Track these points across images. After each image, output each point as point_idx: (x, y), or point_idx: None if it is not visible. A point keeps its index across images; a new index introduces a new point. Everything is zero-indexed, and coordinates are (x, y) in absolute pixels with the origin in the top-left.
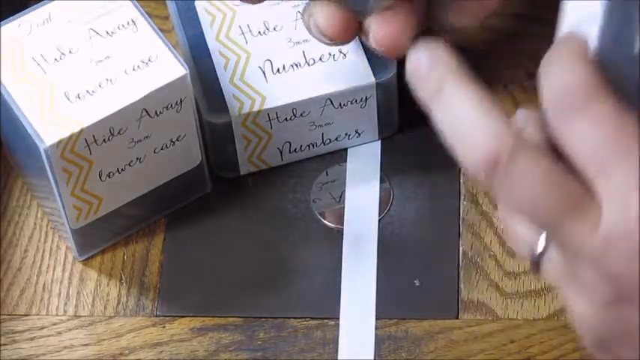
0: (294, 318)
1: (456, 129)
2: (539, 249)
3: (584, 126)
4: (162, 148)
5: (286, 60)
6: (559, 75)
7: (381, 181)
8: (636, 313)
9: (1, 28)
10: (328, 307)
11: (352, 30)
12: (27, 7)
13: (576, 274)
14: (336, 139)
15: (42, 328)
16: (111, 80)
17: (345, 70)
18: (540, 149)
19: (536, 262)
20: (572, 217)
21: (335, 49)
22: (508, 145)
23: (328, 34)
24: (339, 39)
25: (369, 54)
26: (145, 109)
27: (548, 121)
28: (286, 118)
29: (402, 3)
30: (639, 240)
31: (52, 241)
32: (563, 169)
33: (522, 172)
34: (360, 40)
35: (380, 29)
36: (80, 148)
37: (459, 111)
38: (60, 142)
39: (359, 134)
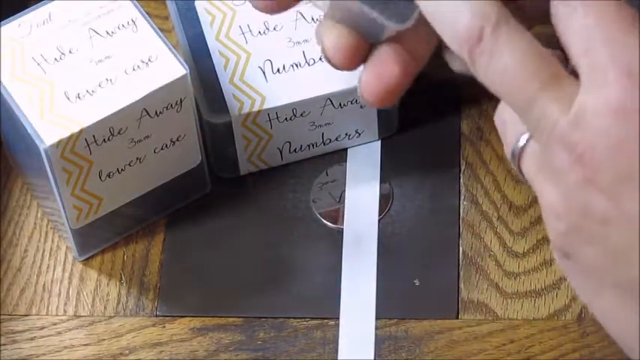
0: (294, 318)
1: (439, 7)
2: (522, 143)
3: (577, 12)
4: (162, 148)
5: (286, 60)
6: None
7: (381, 181)
8: (601, 198)
9: (1, 28)
10: (328, 307)
11: (360, 58)
12: (27, 7)
13: (548, 159)
14: (336, 139)
15: (42, 328)
16: (111, 80)
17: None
18: (522, 27)
19: (519, 160)
20: (548, 91)
21: None
22: (492, 18)
23: (334, 62)
24: (344, 67)
25: None
26: (145, 109)
27: (552, 14)
28: (286, 118)
29: (410, 39)
30: (609, 118)
31: (52, 241)
32: (544, 48)
33: (504, 43)
34: None
35: (369, 83)
36: (80, 148)
37: None
38: (60, 142)
39: (359, 134)
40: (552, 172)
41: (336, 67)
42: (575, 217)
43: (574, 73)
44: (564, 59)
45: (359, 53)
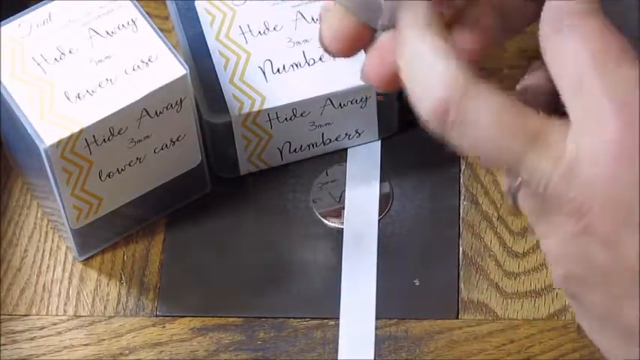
0: (294, 318)
1: (411, 76)
2: (516, 183)
3: (567, 41)
4: (162, 148)
5: (286, 60)
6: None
7: (381, 181)
8: (599, 247)
9: (1, 28)
10: (328, 307)
11: (357, 45)
12: (27, 7)
13: (544, 207)
14: (336, 139)
15: (42, 328)
16: (111, 80)
17: (345, 70)
18: (494, 89)
19: (515, 200)
20: (532, 149)
21: None
22: (458, 87)
23: (330, 47)
24: (339, 52)
25: None
26: (145, 109)
27: (541, 45)
28: (286, 118)
29: None
30: (605, 165)
31: (52, 241)
32: (521, 104)
33: (474, 110)
34: None
35: (373, 65)
36: (80, 148)
37: (414, 56)
38: (60, 142)
39: (359, 134)
40: (549, 220)
41: (331, 53)
42: (575, 265)
43: (557, 94)
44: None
45: (357, 40)
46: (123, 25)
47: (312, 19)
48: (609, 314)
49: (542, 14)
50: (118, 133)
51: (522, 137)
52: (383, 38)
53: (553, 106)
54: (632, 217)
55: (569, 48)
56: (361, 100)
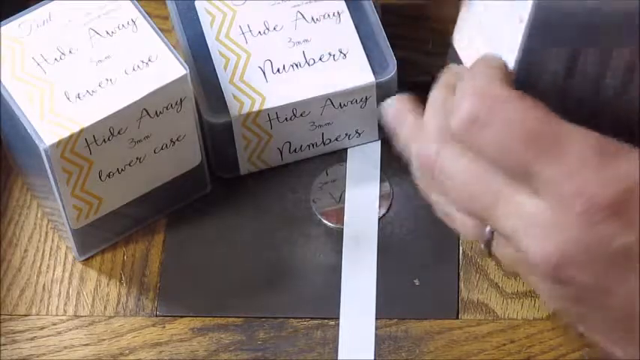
0: (294, 318)
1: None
2: (487, 236)
3: (495, 133)
4: (162, 148)
5: (286, 60)
6: (464, 96)
7: (381, 181)
8: (585, 292)
9: (1, 28)
10: (328, 307)
11: None
12: (27, 7)
13: (521, 257)
14: (336, 139)
15: (42, 328)
16: (111, 80)
17: (345, 70)
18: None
19: (488, 248)
20: (498, 210)
21: (335, 49)
22: (436, 148)
23: None
24: None
25: (369, 54)
26: (145, 109)
27: (457, 137)
28: (286, 118)
29: None
30: (575, 225)
31: (52, 241)
32: (486, 164)
33: (448, 170)
34: (362, 40)
35: None
36: (80, 148)
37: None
38: (60, 142)
39: (359, 134)
40: (525, 264)
41: None
42: (566, 303)
43: None
44: None
45: None
46: (123, 25)
47: (312, 19)
48: (615, 334)
49: (455, 109)
50: (118, 133)
51: (485, 197)
52: None
53: None
54: (611, 270)
55: (498, 142)
56: (361, 100)
